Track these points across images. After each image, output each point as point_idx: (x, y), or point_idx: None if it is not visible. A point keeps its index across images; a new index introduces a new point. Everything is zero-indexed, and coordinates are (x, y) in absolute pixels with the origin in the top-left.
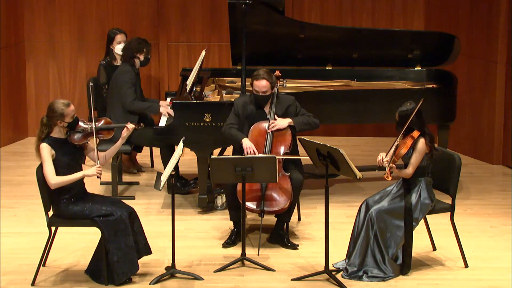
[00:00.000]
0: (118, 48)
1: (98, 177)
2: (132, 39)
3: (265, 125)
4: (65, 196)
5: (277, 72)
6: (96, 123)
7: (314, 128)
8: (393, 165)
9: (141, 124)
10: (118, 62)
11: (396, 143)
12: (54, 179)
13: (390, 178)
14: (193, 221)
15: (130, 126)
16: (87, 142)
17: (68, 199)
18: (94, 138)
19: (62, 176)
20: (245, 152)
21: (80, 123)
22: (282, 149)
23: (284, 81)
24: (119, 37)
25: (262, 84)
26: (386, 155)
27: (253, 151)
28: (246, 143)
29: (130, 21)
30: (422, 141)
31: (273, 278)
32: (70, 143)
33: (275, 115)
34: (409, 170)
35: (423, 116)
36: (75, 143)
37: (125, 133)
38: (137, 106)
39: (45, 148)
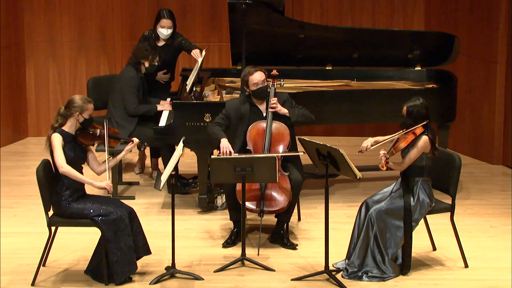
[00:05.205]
0: (159, 32)
1: (108, 192)
2: (140, 45)
3: (263, 124)
4: (66, 193)
5: (274, 71)
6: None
7: (310, 122)
8: (389, 157)
9: (145, 144)
10: (161, 43)
11: (397, 136)
12: (65, 165)
13: (385, 168)
14: (193, 221)
15: (136, 140)
16: (93, 145)
17: (69, 196)
18: (106, 145)
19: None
20: (221, 152)
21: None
22: (281, 148)
23: (282, 80)
24: (164, 22)
25: (259, 76)
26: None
27: (229, 151)
28: (224, 143)
29: (130, 21)
30: (424, 139)
31: (273, 278)
32: (77, 141)
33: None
34: (404, 164)
35: (429, 114)
36: (82, 143)
37: (128, 146)
38: (139, 111)
39: (57, 137)
